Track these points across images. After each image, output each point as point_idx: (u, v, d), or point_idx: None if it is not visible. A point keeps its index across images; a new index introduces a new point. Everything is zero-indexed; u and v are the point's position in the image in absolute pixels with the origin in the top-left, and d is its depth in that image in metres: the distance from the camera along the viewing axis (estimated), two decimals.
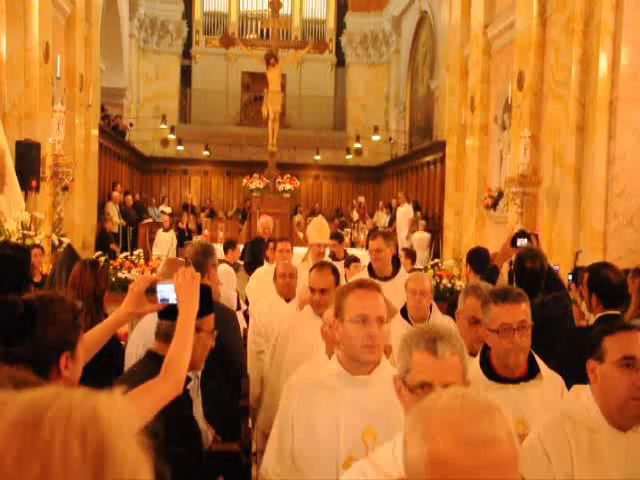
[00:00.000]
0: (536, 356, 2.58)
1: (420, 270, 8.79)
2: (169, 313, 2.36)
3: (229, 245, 7.78)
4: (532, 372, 2.55)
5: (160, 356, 2.34)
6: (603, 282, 3.49)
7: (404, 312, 4.02)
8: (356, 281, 2.39)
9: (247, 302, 6.34)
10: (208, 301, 2.40)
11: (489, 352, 2.61)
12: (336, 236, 7.99)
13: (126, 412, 0.74)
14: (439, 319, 3.99)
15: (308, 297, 3.86)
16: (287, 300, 4.83)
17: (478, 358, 2.64)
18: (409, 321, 3.92)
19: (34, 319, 1.84)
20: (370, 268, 4.88)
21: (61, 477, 0.67)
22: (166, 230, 13.19)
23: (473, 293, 3.19)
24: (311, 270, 3.90)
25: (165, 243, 12.72)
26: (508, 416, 1.15)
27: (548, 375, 2.57)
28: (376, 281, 4.55)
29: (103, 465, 0.68)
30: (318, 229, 6.50)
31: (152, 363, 2.37)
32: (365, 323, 2.21)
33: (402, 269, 4.85)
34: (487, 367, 2.59)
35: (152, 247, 12.62)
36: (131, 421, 0.74)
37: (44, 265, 7.26)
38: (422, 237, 13.87)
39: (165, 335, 2.40)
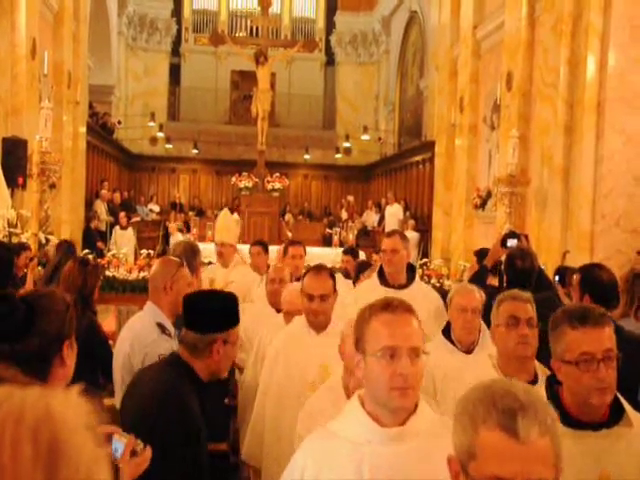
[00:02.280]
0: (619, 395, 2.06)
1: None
2: (195, 325, 2.46)
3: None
4: (616, 415, 2.01)
5: (183, 362, 2.46)
6: (596, 282, 3.53)
7: (446, 332, 3.43)
8: (381, 302, 1.80)
9: None
10: (235, 311, 2.52)
11: (558, 387, 2.07)
12: (350, 252, 7.15)
13: (82, 409, 0.73)
14: (489, 344, 3.26)
15: (302, 307, 3.36)
16: (278, 310, 4.16)
17: (544, 394, 2.06)
18: (454, 344, 3.36)
19: (34, 314, 1.91)
20: (381, 274, 4.20)
21: (11, 476, 0.65)
22: (124, 228, 13.00)
23: (510, 298, 2.75)
24: (304, 276, 3.44)
25: (123, 241, 12.46)
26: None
27: (637, 420, 2.03)
28: (390, 290, 3.99)
29: (57, 463, 0.67)
30: (220, 226, 5.49)
31: (175, 368, 2.46)
32: (394, 358, 1.70)
33: (417, 277, 4.24)
34: (559, 409, 1.96)
35: (109, 246, 12.29)
36: (88, 418, 0.72)
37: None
38: (411, 237, 13.84)
39: (193, 346, 2.47)
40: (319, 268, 3.50)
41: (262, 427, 3.23)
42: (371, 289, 4.12)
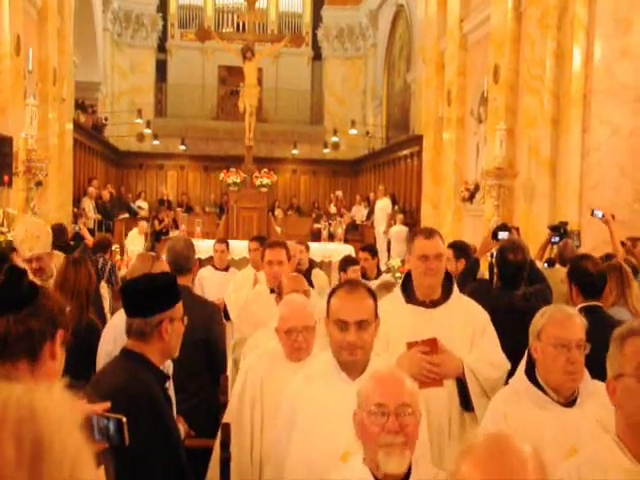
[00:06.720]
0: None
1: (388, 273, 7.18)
2: (139, 311, 2.41)
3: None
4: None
5: (137, 353, 2.40)
6: (582, 273, 3.57)
7: (530, 375, 2.34)
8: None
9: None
10: (175, 288, 2.49)
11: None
12: (369, 249, 6.46)
13: (66, 405, 0.72)
14: (594, 390, 2.27)
15: (332, 339, 2.44)
16: None
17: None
18: (547, 394, 2.29)
19: (37, 293, 1.92)
20: (405, 287, 3.08)
21: None
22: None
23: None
24: (332, 294, 2.50)
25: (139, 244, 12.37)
26: None
27: None
28: (420, 309, 2.95)
29: (40, 463, 0.67)
30: (26, 235, 4.11)
31: (129, 361, 2.42)
32: None
33: (456, 289, 3.10)
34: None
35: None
36: (72, 414, 0.72)
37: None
38: (400, 231, 13.92)
39: (140, 333, 2.41)
40: (354, 284, 2.54)
41: None
42: (393, 309, 2.99)
